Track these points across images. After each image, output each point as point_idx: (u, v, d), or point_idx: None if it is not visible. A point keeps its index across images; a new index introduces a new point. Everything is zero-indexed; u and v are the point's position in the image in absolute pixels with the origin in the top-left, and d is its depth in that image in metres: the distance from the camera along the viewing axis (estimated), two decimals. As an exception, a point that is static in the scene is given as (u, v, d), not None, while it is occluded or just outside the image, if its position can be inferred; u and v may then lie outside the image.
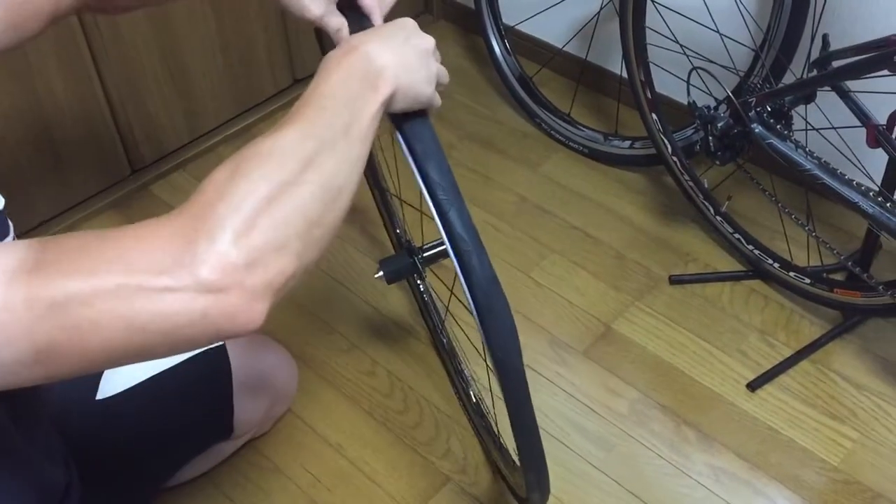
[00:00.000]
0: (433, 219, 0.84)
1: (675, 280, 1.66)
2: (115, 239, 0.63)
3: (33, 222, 1.72)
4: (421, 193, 0.83)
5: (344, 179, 0.72)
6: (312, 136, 0.71)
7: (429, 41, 0.85)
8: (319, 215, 0.69)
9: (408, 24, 0.85)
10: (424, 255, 1.00)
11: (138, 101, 1.76)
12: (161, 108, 1.81)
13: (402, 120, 0.84)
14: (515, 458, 1.16)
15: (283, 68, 2.01)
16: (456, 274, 0.84)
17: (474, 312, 0.83)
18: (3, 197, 0.88)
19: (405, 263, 1.06)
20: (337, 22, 0.93)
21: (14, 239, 0.89)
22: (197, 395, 1.24)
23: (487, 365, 0.91)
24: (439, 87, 0.87)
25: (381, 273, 1.08)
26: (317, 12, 0.92)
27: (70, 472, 1.05)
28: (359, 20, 0.92)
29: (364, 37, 0.82)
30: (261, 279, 0.63)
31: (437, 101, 0.87)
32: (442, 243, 0.92)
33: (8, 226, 0.88)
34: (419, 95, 0.83)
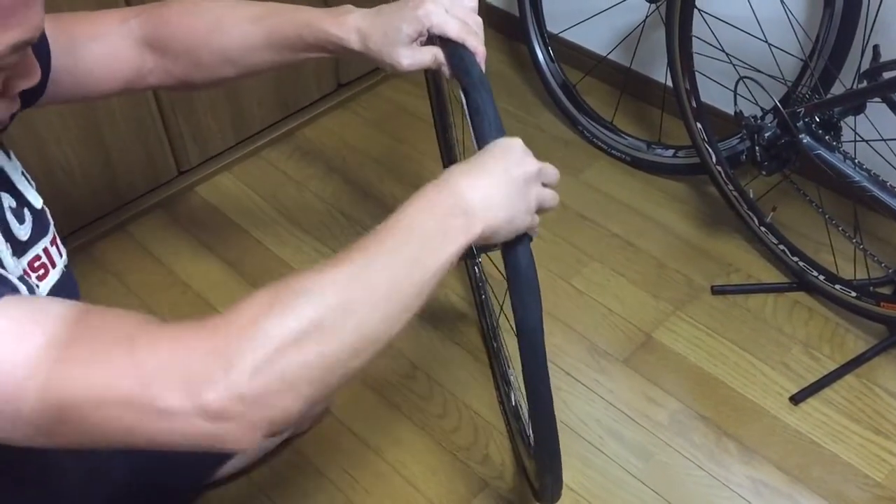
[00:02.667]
0: None
1: (717, 290, 1.64)
2: (138, 341, 0.63)
3: (83, 221, 1.76)
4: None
5: (388, 327, 0.69)
6: (364, 282, 0.68)
7: (531, 168, 0.80)
8: (343, 364, 0.66)
9: (512, 148, 0.80)
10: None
11: (187, 104, 1.79)
12: (209, 112, 1.85)
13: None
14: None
15: (328, 73, 2.04)
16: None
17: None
18: (49, 189, 0.90)
19: None
20: (429, 56, 0.93)
21: (54, 236, 0.91)
22: None
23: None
24: (542, 211, 0.83)
25: None
26: (407, 62, 0.93)
27: (96, 474, 1.07)
28: (454, 49, 0.92)
29: (460, 168, 0.78)
30: (264, 416, 0.63)
31: (534, 225, 0.82)
32: None
33: (47, 225, 0.90)
34: (515, 230, 0.79)
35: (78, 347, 0.62)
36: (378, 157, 1.96)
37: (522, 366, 0.87)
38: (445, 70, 0.94)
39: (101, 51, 0.95)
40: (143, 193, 1.84)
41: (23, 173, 0.89)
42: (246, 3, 1.00)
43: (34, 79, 0.75)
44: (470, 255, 1.06)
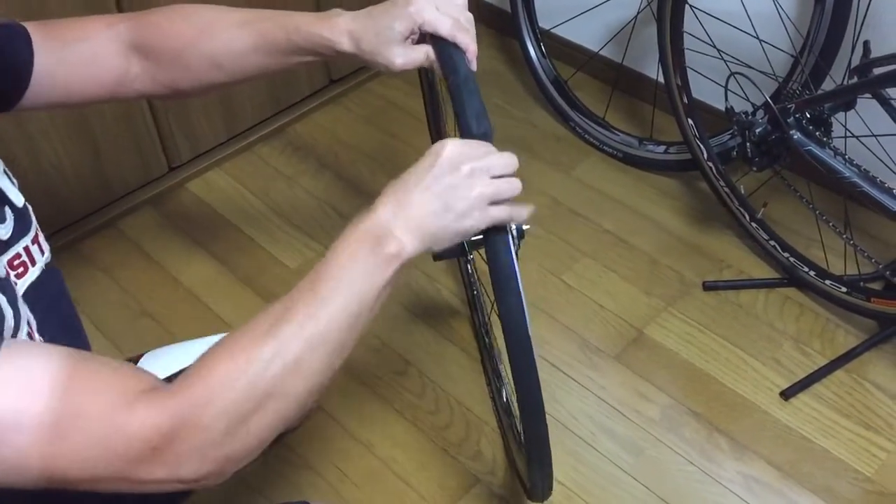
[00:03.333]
0: None
1: (708, 286, 1.65)
2: (125, 421, 0.66)
3: (73, 218, 1.75)
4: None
5: (334, 366, 0.74)
6: (313, 334, 0.71)
7: (460, 173, 0.79)
8: (296, 409, 0.72)
9: (440, 154, 0.80)
10: (473, 238, 1.01)
11: (178, 101, 1.78)
12: (199, 107, 1.84)
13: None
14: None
15: (319, 69, 2.03)
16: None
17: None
18: (38, 186, 0.89)
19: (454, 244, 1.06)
20: (420, 55, 0.93)
21: (36, 235, 0.90)
22: None
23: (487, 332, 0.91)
24: (501, 202, 0.81)
25: None
26: (400, 61, 0.93)
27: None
28: (443, 47, 0.92)
29: (387, 192, 0.79)
30: (233, 468, 0.70)
31: (497, 217, 0.81)
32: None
33: (29, 223, 0.89)
34: (456, 235, 0.80)
35: (69, 427, 0.65)
36: (370, 152, 1.96)
37: (509, 357, 0.87)
38: (437, 68, 0.94)
39: (84, 53, 0.95)
40: (134, 190, 1.83)
41: (4, 171, 0.88)
42: (235, 8, 0.99)
43: None
44: (462, 253, 1.06)
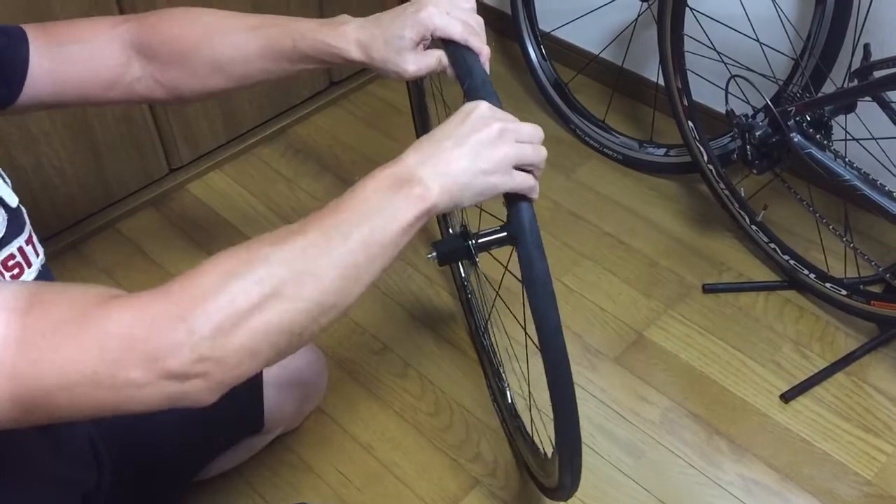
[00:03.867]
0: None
1: (708, 289, 1.65)
2: (96, 318, 0.63)
3: (73, 219, 1.75)
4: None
5: (343, 296, 0.71)
6: (320, 248, 0.69)
7: (492, 129, 0.79)
8: (303, 328, 0.69)
9: (471, 113, 0.81)
10: (479, 240, 1.01)
11: (178, 101, 1.79)
12: (200, 109, 1.84)
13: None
14: (547, 450, 1.17)
15: (320, 71, 2.03)
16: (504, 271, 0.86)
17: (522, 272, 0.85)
18: (18, 195, 0.88)
19: (459, 246, 1.06)
20: (432, 60, 0.93)
21: (30, 236, 0.89)
22: None
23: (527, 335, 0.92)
24: (528, 166, 0.81)
25: (434, 253, 1.09)
26: (412, 69, 0.93)
27: (101, 464, 1.07)
28: (457, 52, 0.92)
29: (415, 145, 0.80)
30: (225, 376, 0.66)
31: (521, 183, 0.81)
32: (497, 231, 0.94)
33: (23, 224, 0.89)
34: (482, 191, 0.79)
35: (36, 335, 0.62)
36: (370, 154, 1.96)
37: (537, 328, 0.87)
38: (450, 72, 0.93)
39: (82, 53, 0.94)
40: (135, 191, 1.83)
41: None
42: (241, 13, 0.99)
43: None
44: (469, 256, 1.06)
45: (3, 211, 0.85)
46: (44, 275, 0.90)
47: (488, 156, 0.79)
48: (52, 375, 0.62)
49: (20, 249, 0.87)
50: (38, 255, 0.90)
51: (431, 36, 0.92)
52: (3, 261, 0.85)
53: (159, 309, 0.64)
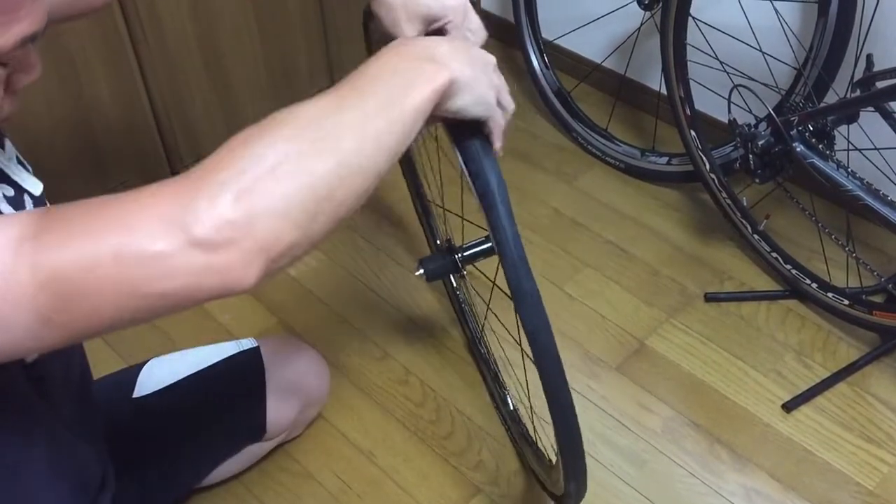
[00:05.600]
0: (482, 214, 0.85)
1: (710, 298, 1.65)
2: (117, 201, 0.63)
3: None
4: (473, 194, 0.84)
5: (366, 159, 0.69)
6: (340, 109, 0.69)
7: (490, 57, 0.83)
8: (330, 190, 0.66)
9: (474, 34, 0.87)
10: (465, 253, 1.00)
11: (180, 104, 1.79)
12: (202, 112, 1.84)
13: (459, 136, 0.84)
14: (552, 456, 1.17)
15: (322, 74, 2.04)
16: (496, 277, 0.84)
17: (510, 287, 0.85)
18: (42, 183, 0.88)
19: (446, 261, 1.06)
20: None
21: None
22: (230, 395, 1.26)
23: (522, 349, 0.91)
24: (501, 107, 0.84)
25: (421, 271, 1.08)
26: (411, 35, 0.92)
27: (106, 466, 1.07)
28: (471, 147, 0.90)
29: (427, 36, 0.82)
30: (256, 241, 0.62)
31: (498, 114, 0.84)
32: (482, 242, 0.93)
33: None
34: (481, 97, 0.80)
35: (55, 224, 0.62)
36: (372, 162, 1.96)
37: (522, 323, 0.85)
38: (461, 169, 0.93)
39: None
40: (136, 195, 1.83)
41: (18, 160, 0.88)
42: None
43: (35, 73, 0.75)
44: (456, 270, 1.06)
45: (28, 199, 0.86)
46: None
47: (489, 73, 0.82)
48: (76, 257, 0.60)
49: None
50: None
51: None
52: None
53: (177, 186, 0.63)
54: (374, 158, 0.69)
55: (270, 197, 0.63)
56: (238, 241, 0.62)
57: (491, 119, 0.84)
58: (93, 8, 1.02)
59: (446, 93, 0.76)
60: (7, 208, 0.81)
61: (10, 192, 0.84)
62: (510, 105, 0.86)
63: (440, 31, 0.93)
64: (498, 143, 0.86)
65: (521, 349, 1.10)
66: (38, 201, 0.87)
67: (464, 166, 0.84)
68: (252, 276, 0.63)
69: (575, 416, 0.92)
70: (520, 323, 0.86)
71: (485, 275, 1.03)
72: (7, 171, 0.85)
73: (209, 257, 0.61)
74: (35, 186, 0.88)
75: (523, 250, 0.82)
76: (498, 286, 1.02)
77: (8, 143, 0.88)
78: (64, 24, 1.02)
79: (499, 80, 0.83)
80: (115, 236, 0.61)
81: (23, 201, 0.85)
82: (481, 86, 0.80)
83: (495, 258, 0.96)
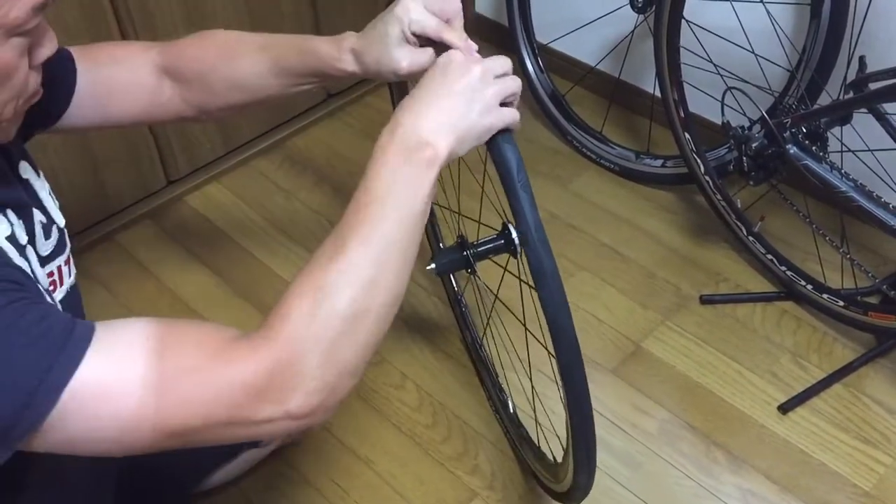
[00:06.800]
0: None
1: (705, 300, 1.65)
2: (222, 370, 0.70)
3: (71, 231, 1.74)
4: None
5: (404, 279, 0.77)
6: (371, 256, 0.75)
7: (473, 74, 0.83)
8: (381, 332, 0.76)
9: (447, 65, 0.85)
10: (477, 249, 1.02)
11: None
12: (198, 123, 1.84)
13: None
14: (555, 457, 1.18)
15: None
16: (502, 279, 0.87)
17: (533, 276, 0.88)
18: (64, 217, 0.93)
19: (457, 256, 1.07)
20: (424, 59, 0.94)
21: (69, 257, 0.93)
22: None
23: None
24: (510, 98, 0.86)
25: (432, 265, 1.09)
26: (405, 64, 0.93)
27: (104, 473, 1.07)
28: (442, 49, 0.92)
29: (404, 107, 0.82)
30: (336, 399, 0.74)
31: (507, 119, 0.86)
32: (494, 239, 0.95)
33: (66, 245, 0.92)
34: (481, 133, 0.84)
35: (173, 380, 0.69)
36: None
37: (540, 297, 0.89)
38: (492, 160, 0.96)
39: (123, 72, 1.02)
40: (132, 203, 1.83)
41: (49, 192, 0.93)
42: (253, 33, 1.04)
43: (53, 45, 0.77)
44: (467, 265, 1.06)
45: (55, 229, 0.90)
46: (72, 294, 0.93)
47: (480, 98, 0.83)
48: (191, 417, 0.70)
49: (59, 268, 0.90)
50: (70, 275, 0.93)
51: (410, 31, 0.93)
52: (48, 274, 0.88)
53: (272, 357, 0.70)
54: (407, 273, 0.78)
55: (346, 361, 0.73)
56: (324, 404, 0.73)
57: (501, 127, 0.86)
58: (126, 117, 1.06)
59: (445, 162, 0.81)
60: (40, 232, 0.86)
61: (44, 219, 0.88)
62: (516, 91, 0.87)
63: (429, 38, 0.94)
64: (517, 127, 0.88)
65: (526, 329, 1.14)
66: (61, 234, 0.91)
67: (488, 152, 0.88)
68: (327, 418, 0.80)
69: (588, 394, 0.94)
70: (541, 304, 0.89)
71: (497, 263, 1.06)
72: (41, 198, 0.91)
73: (303, 422, 0.73)
74: (60, 220, 0.93)
75: (544, 231, 0.87)
76: (510, 271, 1.03)
77: (42, 175, 0.93)
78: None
79: (491, 90, 0.84)
80: (226, 409, 0.70)
81: (51, 230, 0.89)
82: (477, 124, 0.83)
83: (505, 255, 0.99)
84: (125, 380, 0.68)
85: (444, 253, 1.10)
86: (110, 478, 1.08)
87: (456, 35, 0.91)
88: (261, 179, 1.95)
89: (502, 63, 0.87)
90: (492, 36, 2.24)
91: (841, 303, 1.53)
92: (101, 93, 1.00)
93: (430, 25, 0.92)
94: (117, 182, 1.77)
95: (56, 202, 0.93)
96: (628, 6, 1.74)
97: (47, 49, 0.77)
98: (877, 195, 1.35)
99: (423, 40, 0.93)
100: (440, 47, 0.92)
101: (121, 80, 1.01)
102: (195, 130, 1.85)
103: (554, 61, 2.08)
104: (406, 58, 0.93)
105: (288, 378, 0.70)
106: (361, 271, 0.74)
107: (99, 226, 1.79)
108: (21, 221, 0.82)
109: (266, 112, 1.97)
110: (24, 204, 0.84)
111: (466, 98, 0.82)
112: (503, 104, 0.86)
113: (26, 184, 0.88)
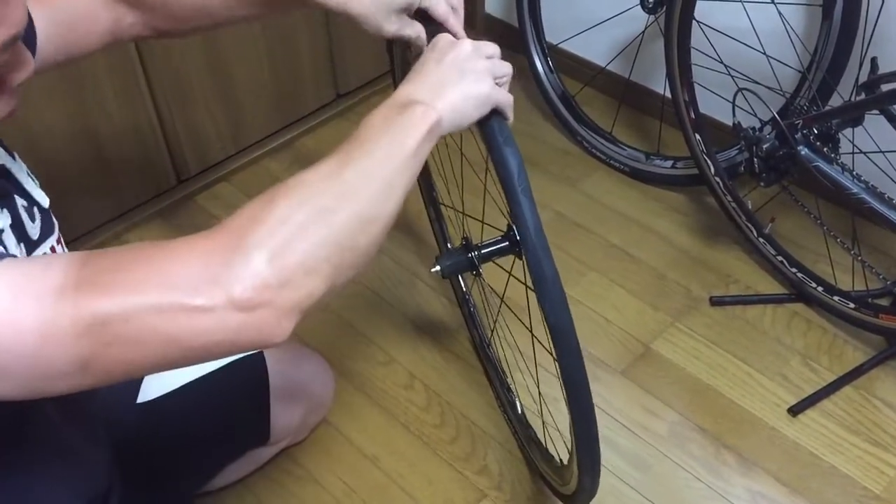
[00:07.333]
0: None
1: (716, 301, 1.64)
2: (153, 256, 0.66)
3: (82, 230, 1.76)
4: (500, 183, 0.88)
5: (381, 205, 0.74)
6: (350, 166, 0.74)
7: (463, 49, 0.86)
8: (353, 241, 0.71)
9: (438, 44, 0.87)
10: (482, 251, 1.02)
11: (187, 114, 1.79)
12: (208, 122, 1.85)
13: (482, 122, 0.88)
14: (561, 458, 1.18)
15: (326, 84, 2.04)
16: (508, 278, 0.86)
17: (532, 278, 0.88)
18: (49, 197, 0.90)
19: (462, 258, 1.07)
20: (413, 31, 0.96)
21: (59, 236, 0.91)
22: (235, 400, 1.26)
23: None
24: (500, 79, 0.87)
25: (437, 267, 1.10)
26: (392, 28, 0.95)
27: (112, 473, 1.07)
28: (436, 30, 0.94)
29: (405, 82, 0.84)
30: (290, 299, 0.66)
31: (501, 96, 0.87)
32: (499, 241, 0.95)
33: (53, 224, 0.91)
34: (478, 102, 0.85)
35: (96, 276, 0.64)
36: (377, 166, 1.96)
37: (534, 285, 0.88)
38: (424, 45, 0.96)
39: (77, 10, 0.98)
40: (142, 202, 1.84)
41: (28, 173, 0.90)
42: None
43: (28, 69, 0.77)
44: (472, 267, 1.07)
45: (38, 211, 0.87)
46: None
47: (472, 68, 0.85)
48: (117, 306, 0.62)
49: (52, 249, 0.88)
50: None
51: (418, 6, 0.95)
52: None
53: (213, 244, 0.66)
54: (388, 203, 0.75)
55: (301, 255, 0.67)
56: (274, 301, 0.65)
57: (496, 102, 0.87)
58: (87, 52, 1.03)
59: (441, 126, 0.81)
60: (25, 217, 0.84)
61: (25, 203, 0.86)
62: (508, 72, 0.89)
63: (426, 14, 0.95)
64: (510, 115, 0.89)
65: (532, 335, 1.12)
66: (45, 214, 0.89)
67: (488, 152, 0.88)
68: (286, 329, 0.67)
69: (590, 398, 0.94)
70: (540, 309, 0.88)
71: (502, 267, 1.06)
72: (21, 182, 0.88)
73: (247, 316, 0.65)
74: (43, 199, 0.90)
75: (545, 237, 0.87)
76: (514, 276, 1.03)
77: (17, 157, 0.90)
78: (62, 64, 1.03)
79: (482, 64, 0.86)
80: (156, 290, 0.63)
81: (34, 213, 0.86)
82: (472, 94, 0.84)
83: (510, 257, 0.99)
84: (40, 280, 0.63)
85: (450, 255, 1.10)
86: (105, 448, 1.08)
87: (459, 24, 0.95)
88: (270, 179, 1.95)
89: (493, 47, 0.89)
90: (501, 36, 2.24)
91: (851, 305, 1.52)
92: (59, 35, 0.97)
93: (441, 7, 0.95)
94: (128, 181, 1.78)
95: (36, 181, 0.91)
96: (639, 7, 1.74)
97: (23, 73, 0.76)
98: (888, 197, 1.35)
99: (419, 17, 0.95)
100: (432, 30, 0.94)
101: (75, 17, 0.98)
102: (206, 130, 1.86)
103: (564, 62, 2.08)
104: (395, 25, 0.95)
105: (232, 260, 0.64)
106: (336, 178, 0.72)
107: (109, 224, 1.80)
108: (5, 210, 0.81)
109: (275, 112, 1.97)
110: (6, 193, 0.83)
111: (458, 67, 0.84)
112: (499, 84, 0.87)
113: (4, 171, 0.86)
